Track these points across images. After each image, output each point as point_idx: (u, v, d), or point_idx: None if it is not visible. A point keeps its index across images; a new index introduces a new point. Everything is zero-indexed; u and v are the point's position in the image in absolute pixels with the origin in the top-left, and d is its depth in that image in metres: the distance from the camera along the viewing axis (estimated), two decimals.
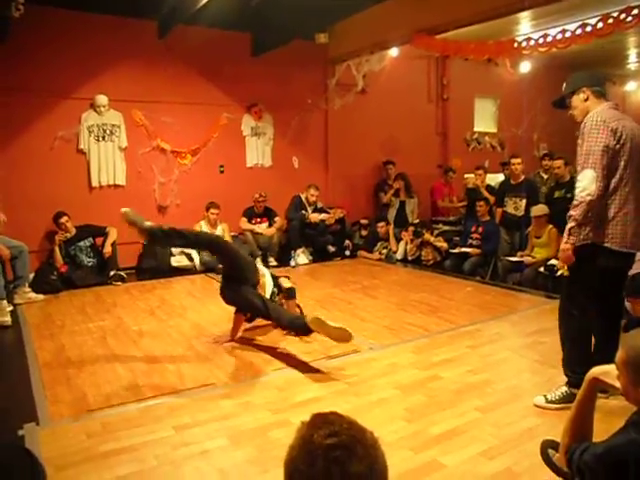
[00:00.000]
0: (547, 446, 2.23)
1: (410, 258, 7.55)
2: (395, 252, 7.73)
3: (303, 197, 7.78)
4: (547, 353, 3.81)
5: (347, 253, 8.00)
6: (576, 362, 3.04)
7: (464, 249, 6.84)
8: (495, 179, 8.55)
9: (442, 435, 2.77)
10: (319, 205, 7.93)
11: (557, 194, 6.45)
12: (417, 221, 8.04)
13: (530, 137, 10.61)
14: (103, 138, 6.88)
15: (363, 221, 8.39)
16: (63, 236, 6.33)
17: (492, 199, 7.14)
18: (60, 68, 6.52)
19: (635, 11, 4.85)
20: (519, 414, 3.00)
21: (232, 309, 4.25)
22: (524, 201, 6.67)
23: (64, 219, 6.31)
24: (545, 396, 3.09)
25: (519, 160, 6.78)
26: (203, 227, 7.19)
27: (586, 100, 3.01)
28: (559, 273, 3.26)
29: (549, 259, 5.79)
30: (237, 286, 4.03)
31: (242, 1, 5.97)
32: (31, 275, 5.91)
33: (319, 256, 7.76)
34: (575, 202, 2.88)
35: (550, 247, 5.91)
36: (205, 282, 6.61)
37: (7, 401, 3.33)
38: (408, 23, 6.53)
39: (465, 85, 9.79)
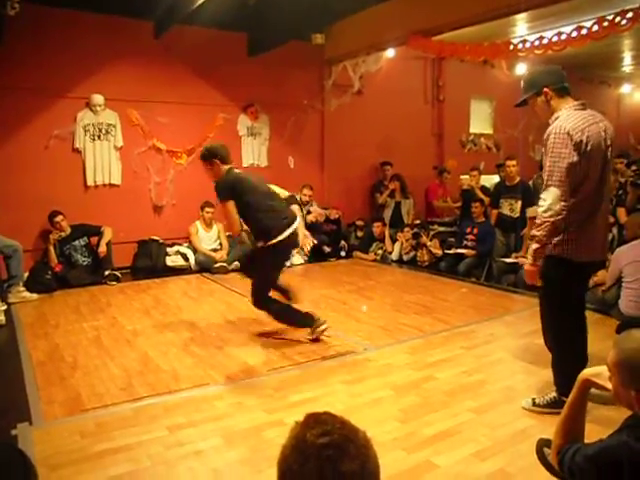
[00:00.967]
0: (543, 445, 2.23)
1: (405, 259, 7.57)
2: (390, 253, 7.74)
3: (298, 198, 7.77)
4: (541, 354, 3.80)
5: (342, 254, 8.01)
6: (563, 371, 3.00)
7: (459, 250, 6.86)
8: (490, 180, 8.57)
9: (436, 436, 2.77)
10: (313, 205, 7.94)
11: None
12: (418, 222, 8.04)
13: (526, 139, 10.63)
14: (99, 137, 6.86)
15: (359, 222, 8.39)
16: (58, 235, 6.31)
17: (487, 200, 7.16)
18: (56, 67, 6.50)
19: (630, 14, 4.88)
20: (513, 415, 3.01)
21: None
22: (519, 203, 6.68)
23: (59, 218, 6.29)
24: (533, 399, 3.08)
25: (514, 162, 6.80)
26: (198, 227, 7.19)
27: (549, 101, 2.88)
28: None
29: None
30: None
31: (238, 1, 5.97)
32: (25, 274, 5.89)
33: (314, 256, 7.76)
34: (538, 221, 2.77)
35: None
36: (200, 282, 6.61)
37: (0, 401, 3.32)
38: (404, 24, 6.54)
39: (461, 86, 9.82)
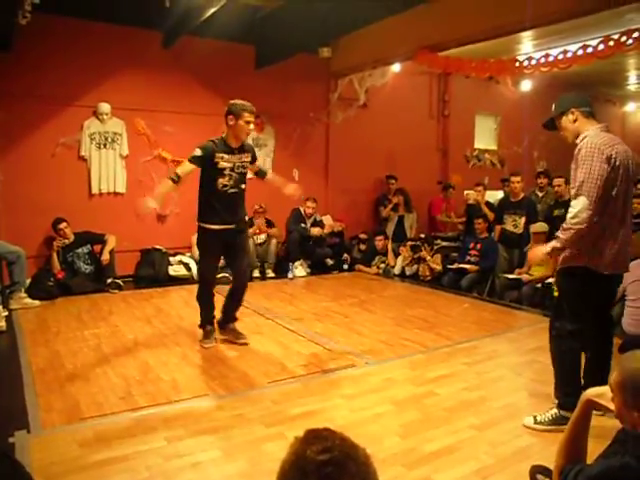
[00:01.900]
0: (536, 472, 2.21)
1: (408, 273, 7.55)
2: (393, 267, 7.73)
3: (302, 210, 7.80)
4: (544, 372, 3.79)
5: (345, 267, 8.01)
6: (566, 384, 3.04)
7: (462, 265, 6.85)
8: (494, 196, 8.57)
9: (436, 452, 2.75)
10: (317, 218, 7.95)
11: (556, 212, 6.45)
12: (423, 235, 8.04)
13: (530, 155, 10.65)
14: (104, 146, 6.90)
15: (362, 236, 8.39)
16: (61, 242, 6.33)
17: (491, 216, 7.15)
18: (64, 76, 6.55)
19: (636, 34, 4.90)
20: (514, 433, 2.98)
21: None
22: (523, 219, 6.68)
23: (63, 225, 6.31)
24: (535, 417, 3.07)
25: (519, 178, 6.80)
26: None
27: (575, 121, 3.01)
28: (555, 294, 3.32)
29: (547, 277, 5.79)
30: None
31: (247, 14, 6.03)
32: (28, 280, 5.90)
33: (317, 269, 7.76)
34: (565, 226, 2.88)
35: (548, 265, 5.89)
36: None
37: None
38: (411, 39, 6.58)
39: (466, 102, 9.87)
